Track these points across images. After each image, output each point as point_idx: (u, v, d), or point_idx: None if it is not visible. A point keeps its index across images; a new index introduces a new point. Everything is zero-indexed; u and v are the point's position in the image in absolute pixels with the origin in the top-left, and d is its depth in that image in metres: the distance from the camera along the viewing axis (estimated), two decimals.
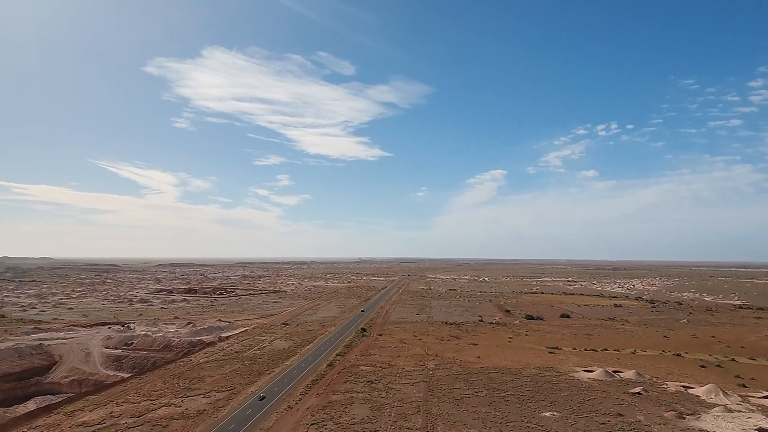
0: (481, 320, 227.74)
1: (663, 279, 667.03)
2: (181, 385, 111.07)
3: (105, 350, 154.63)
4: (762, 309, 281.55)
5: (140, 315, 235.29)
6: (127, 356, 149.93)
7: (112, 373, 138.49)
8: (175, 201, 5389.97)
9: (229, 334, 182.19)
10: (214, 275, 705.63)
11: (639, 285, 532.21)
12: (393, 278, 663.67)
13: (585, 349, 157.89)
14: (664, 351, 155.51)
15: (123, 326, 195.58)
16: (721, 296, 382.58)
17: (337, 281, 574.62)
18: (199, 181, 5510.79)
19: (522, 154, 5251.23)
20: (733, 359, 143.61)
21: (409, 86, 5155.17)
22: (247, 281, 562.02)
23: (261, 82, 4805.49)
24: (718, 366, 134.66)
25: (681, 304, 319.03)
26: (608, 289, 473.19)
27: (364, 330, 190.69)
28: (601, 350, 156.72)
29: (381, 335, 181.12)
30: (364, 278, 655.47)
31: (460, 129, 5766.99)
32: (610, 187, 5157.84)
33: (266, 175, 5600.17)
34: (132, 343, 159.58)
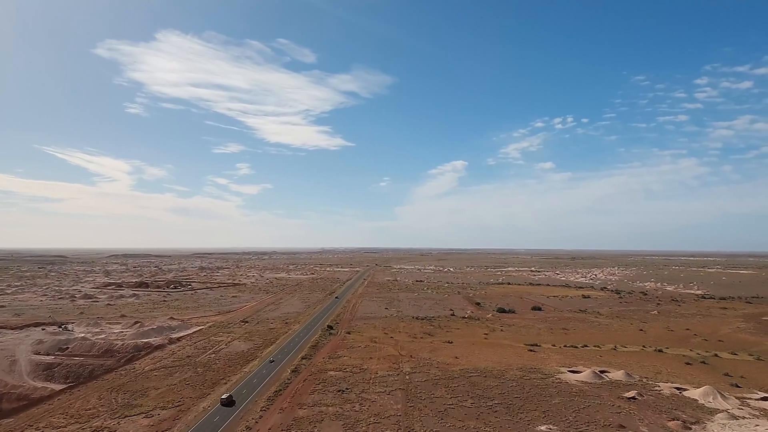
0: (452, 314, 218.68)
1: (621, 268, 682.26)
2: (120, 400, 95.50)
3: (34, 357, 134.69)
4: (724, 299, 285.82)
5: (81, 313, 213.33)
6: (60, 364, 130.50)
7: (40, 384, 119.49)
8: (129, 189, 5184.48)
9: (182, 334, 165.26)
10: (169, 267, 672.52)
11: (600, 274, 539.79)
12: (357, 269, 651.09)
13: (564, 346, 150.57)
14: (644, 346, 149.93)
15: (59, 327, 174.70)
16: (681, 286, 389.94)
17: (300, 273, 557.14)
18: (155, 169, 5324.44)
19: (482, 145, 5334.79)
20: (716, 354, 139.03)
21: (371, 76, 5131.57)
22: (204, 273, 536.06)
23: (219, 68, 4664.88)
24: (703, 362, 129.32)
25: (646, 294, 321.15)
26: (572, 279, 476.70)
27: (331, 327, 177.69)
28: (581, 347, 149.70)
29: (349, 333, 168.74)
30: (328, 269, 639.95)
31: (422, 120, 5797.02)
32: (566, 179, 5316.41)
33: (225, 164, 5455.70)
34: (67, 347, 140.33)
